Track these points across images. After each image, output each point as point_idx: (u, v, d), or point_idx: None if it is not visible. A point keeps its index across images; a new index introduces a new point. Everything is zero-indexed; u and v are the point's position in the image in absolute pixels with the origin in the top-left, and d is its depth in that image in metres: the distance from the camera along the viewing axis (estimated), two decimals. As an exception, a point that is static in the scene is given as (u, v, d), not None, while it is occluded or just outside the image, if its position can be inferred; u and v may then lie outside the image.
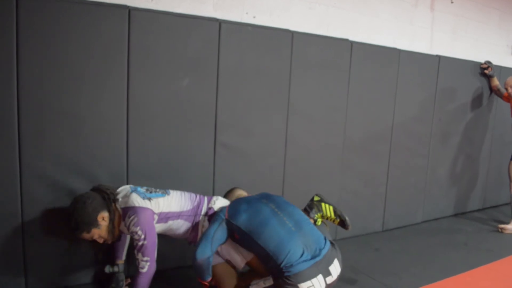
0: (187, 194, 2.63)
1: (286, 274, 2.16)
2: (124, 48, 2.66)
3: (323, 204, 2.70)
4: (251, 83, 3.17)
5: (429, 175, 4.50)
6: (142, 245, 2.33)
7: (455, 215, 4.92)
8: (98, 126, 2.65)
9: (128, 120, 2.73)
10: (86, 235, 2.37)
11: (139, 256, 2.34)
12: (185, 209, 2.54)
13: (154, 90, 2.79)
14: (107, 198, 2.40)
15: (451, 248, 3.85)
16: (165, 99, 2.84)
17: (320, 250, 2.26)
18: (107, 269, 2.73)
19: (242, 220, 2.34)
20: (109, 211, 2.39)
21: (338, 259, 2.34)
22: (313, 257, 2.22)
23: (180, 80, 2.87)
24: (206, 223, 2.53)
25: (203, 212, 2.58)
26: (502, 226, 4.40)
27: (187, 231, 2.57)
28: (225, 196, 2.79)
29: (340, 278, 2.92)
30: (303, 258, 2.20)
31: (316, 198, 2.73)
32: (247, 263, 2.54)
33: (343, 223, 2.69)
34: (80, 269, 2.76)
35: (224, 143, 3.11)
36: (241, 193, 2.77)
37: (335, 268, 2.29)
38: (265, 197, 2.51)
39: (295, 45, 3.32)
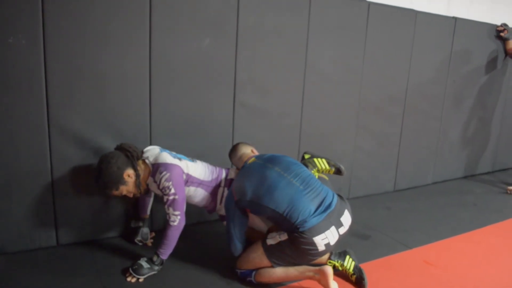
0: (210, 166, 2.70)
1: (300, 229, 2.19)
2: (146, 8, 2.67)
3: (315, 159, 2.72)
4: (270, 43, 3.19)
5: (441, 138, 4.55)
6: (174, 199, 2.41)
7: (465, 177, 5.00)
8: (123, 84, 2.70)
9: (151, 79, 2.77)
10: (115, 192, 2.47)
11: (170, 210, 2.42)
12: (205, 180, 2.62)
13: (175, 49, 2.82)
14: (130, 156, 2.47)
15: (460, 208, 3.94)
16: (186, 58, 2.87)
17: (330, 202, 2.32)
18: (133, 223, 2.86)
19: (250, 195, 2.35)
20: (134, 168, 2.47)
21: (348, 210, 2.40)
22: (325, 210, 2.27)
23: (201, 39, 2.90)
24: (226, 193, 2.63)
25: (222, 184, 2.66)
26: (511, 188, 4.49)
27: (204, 200, 2.67)
28: (230, 154, 2.76)
29: (354, 233, 3.06)
30: (316, 212, 2.25)
31: (306, 156, 2.76)
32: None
33: (338, 171, 2.73)
34: (107, 223, 2.87)
35: (243, 101, 3.17)
36: (244, 151, 2.69)
37: (346, 219, 2.35)
38: (270, 161, 2.47)
39: (313, 6, 3.32)
